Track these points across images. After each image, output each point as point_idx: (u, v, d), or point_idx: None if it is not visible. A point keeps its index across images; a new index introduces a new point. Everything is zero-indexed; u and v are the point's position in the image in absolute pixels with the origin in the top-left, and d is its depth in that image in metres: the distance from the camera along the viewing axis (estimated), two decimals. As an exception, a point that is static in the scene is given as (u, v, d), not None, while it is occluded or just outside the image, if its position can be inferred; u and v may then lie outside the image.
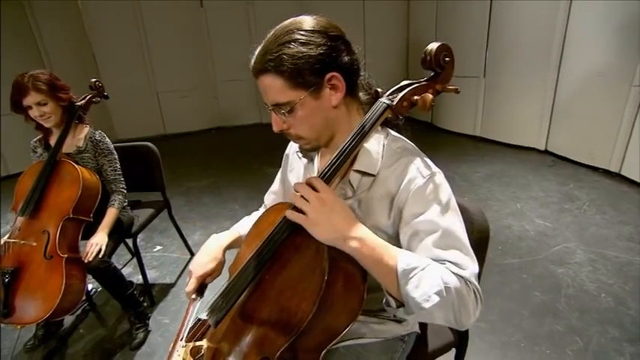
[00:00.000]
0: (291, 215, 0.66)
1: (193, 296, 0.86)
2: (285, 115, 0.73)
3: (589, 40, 3.14)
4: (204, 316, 0.87)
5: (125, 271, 2.24)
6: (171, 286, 2.14)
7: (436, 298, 0.60)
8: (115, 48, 5.02)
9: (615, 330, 1.60)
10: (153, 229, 2.69)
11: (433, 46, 0.71)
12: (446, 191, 0.72)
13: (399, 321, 0.90)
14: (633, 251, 2.12)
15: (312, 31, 0.69)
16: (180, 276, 2.23)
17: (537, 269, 2.03)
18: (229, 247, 0.92)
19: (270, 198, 1.09)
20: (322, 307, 0.64)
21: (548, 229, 2.40)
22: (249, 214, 1.05)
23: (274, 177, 1.08)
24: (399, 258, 0.63)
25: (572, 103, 3.40)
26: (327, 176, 0.69)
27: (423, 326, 1.02)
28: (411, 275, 0.61)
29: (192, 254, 2.41)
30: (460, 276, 0.63)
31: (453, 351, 1.07)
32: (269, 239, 0.71)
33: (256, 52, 0.71)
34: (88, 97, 1.67)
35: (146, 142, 2.03)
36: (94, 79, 1.71)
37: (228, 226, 1.00)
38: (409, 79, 0.76)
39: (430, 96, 0.72)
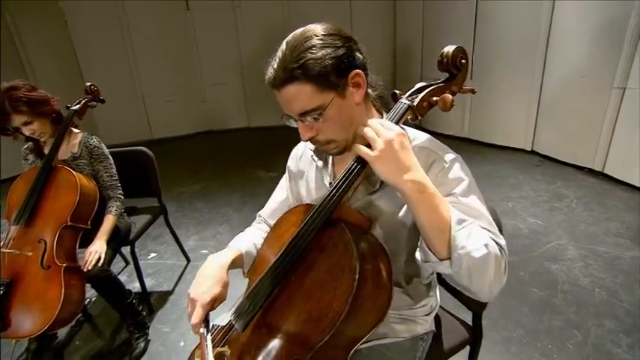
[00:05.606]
0: (360, 149, 0.66)
1: (202, 330, 0.71)
2: (315, 121, 0.73)
3: (571, 44, 3.26)
4: (224, 322, 0.86)
5: (120, 280, 2.17)
6: (169, 293, 2.09)
7: (484, 250, 0.63)
8: (99, 52, 4.89)
9: (611, 322, 1.65)
10: (146, 235, 2.60)
11: (450, 49, 0.73)
12: (467, 173, 0.76)
13: (417, 321, 0.91)
14: (621, 246, 2.20)
15: (329, 35, 0.71)
16: (177, 283, 2.19)
17: (533, 266, 2.08)
18: (232, 266, 0.83)
19: (269, 211, 1.02)
20: (353, 305, 0.64)
21: (540, 227, 2.47)
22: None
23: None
24: (452, 209, 0.66)
25: (557, 104, 3.52)
26: (354, 173, 0.70)
27: (438, 325, 1.03)
28: (464, 225, 0.64)
29: (189, 260, 2.36)
30: (495, 241, 0.66)
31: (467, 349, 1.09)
32: (300, 234, 0.72)
33: (274, 67, 0.70)
34: (83, 101, 1.63)
35: (141, 147, 1.99)
36: (89, 83, 1.67)
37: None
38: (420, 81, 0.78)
39: (450, 96, 0.73)
